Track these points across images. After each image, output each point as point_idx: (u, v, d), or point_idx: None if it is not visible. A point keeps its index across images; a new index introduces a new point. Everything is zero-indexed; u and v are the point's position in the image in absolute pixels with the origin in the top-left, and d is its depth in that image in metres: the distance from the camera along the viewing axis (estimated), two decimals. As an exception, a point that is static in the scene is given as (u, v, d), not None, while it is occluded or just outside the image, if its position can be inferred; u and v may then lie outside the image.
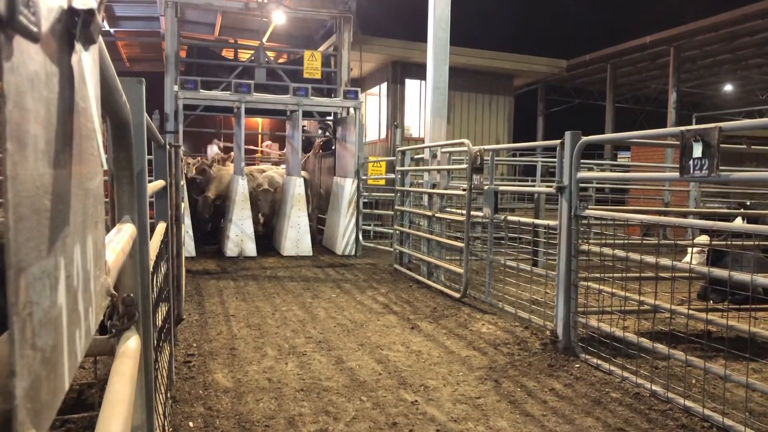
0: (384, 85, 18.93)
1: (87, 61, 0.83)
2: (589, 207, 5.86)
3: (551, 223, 6.20)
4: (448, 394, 4.60)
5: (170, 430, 3.79)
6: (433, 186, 9.10)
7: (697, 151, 3.95)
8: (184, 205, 7.91)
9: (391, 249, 10.62)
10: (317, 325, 6.52)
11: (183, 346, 5.65)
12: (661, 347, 4.51)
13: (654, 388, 4.52)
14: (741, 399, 4.34)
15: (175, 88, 11.80)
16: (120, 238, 1.44)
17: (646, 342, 4.68)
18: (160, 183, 4.08)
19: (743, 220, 7.81)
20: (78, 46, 0.76)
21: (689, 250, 6.81)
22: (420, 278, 9.02)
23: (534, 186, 13.57)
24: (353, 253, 11.91)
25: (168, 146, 4.73)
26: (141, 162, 2.07)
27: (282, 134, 16.36)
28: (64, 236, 0.67)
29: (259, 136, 25.69)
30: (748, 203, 9.75)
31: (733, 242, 5.38)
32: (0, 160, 0.48)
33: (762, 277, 3.71)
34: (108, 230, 1.45)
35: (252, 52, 15.11)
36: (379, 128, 19.25)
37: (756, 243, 6.20)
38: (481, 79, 19.25)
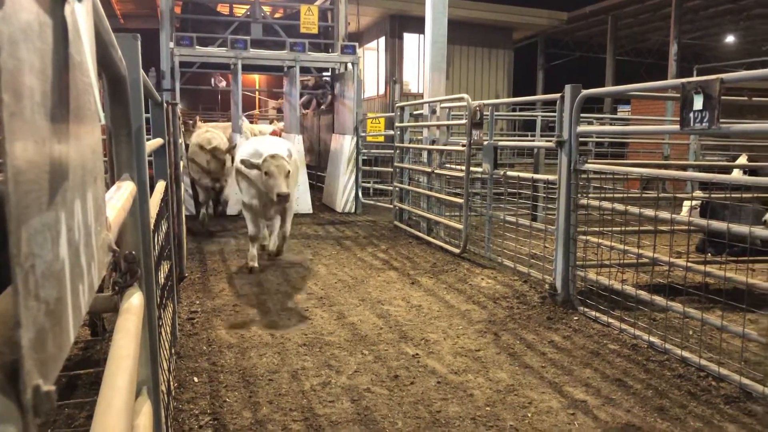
0: (382, 40, 18.67)
1: (81, 13, 0.82)
2: (589, 161, 5.84)
3: (551, 177, 6.19)
4: (449, 347, 4.66)
5: (175, 384, 3.85)
6: (433, 142, 9.06)
7: (698, 103, 3.92)
8: (183, 164, 7.88)
9: (391, 206, 10.63)
10: (318, 281, 6.57)
11: (186, 303, 5.70)
12: (659, 299, 4.55)
13: (651, 339, 4.58)
14: (737, 349, 4.40)
15: (171, 45, 11.63)
16: (120, 196, 1.44)
17: (644, 294, 4.73)
18: (158, 141, 4.05)
19: (743, 172, 7.79)
20: (70, -3, 0.75)
21: (685, 203, 6.82)
22: (420, 234, 9.06)
23: (533, 141, 13.49)
24: (353, 210, 11.91)
25: (165, 104, 4.69)
26: (138, 119, 2.05)
27: (279, 91, 16.20)
28: (63, 190, 0.67)
29: (256, 93, 25.38)
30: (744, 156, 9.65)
31: (732, 195, 5.37)
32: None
33: (760, 229, 3.73)
34: (108, 188, 1.45)
35: (248, 6, 14.84)
36: (378, 84, 19.05)
37: (754, 195, 6.20)
38: (480, 32, 18.98)
